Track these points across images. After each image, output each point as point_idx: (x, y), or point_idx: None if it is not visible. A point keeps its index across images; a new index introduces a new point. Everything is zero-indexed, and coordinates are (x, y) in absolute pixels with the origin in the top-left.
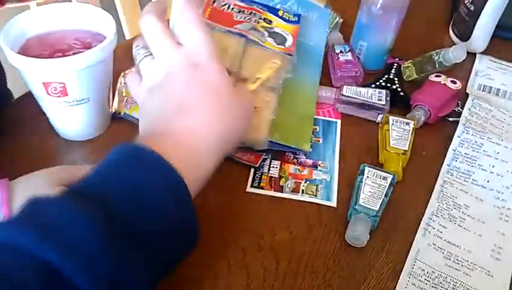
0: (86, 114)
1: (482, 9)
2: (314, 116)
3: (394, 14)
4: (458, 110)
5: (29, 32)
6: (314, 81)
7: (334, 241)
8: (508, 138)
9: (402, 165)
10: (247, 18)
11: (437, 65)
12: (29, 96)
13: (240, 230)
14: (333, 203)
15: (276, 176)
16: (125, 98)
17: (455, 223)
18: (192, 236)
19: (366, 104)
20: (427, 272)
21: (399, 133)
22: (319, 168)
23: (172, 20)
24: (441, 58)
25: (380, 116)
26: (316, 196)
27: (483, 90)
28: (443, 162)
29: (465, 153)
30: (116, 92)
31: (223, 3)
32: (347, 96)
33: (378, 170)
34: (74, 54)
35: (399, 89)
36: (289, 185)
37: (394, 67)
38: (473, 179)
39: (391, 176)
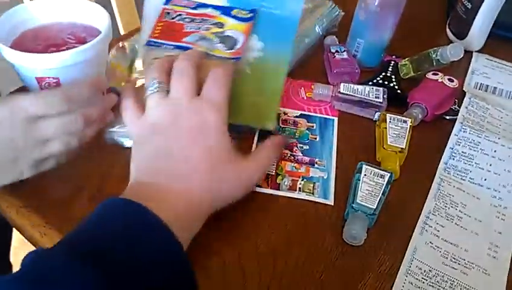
0: None
1: (479, 7)
2: (282, 93)
3: (392, 11)
4: (455, 108)
5: (23, 26)
6: (285, 55)
7: (331, 240)
8: (505, 137)
9: (399, 163)
10: (197, 27)
11: (434, 63)
12: (20, 92)
13: (236, 229)
14: (330, 201)
15: (273, 174)
16: (115, 71)
17: (452, 222)
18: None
19: (363, 102)
20: (425, 271)
21: (396, 131)
22: (316, 165)
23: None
24: (438, 56)
25: (377, 114)
26: (313, 194)
27: (480, 89)
28: (440, 161)
29: (462, 152)
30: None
31: (174, 15)
32: (344, 94)
33: (376, 168)
34: (68, 48)
35: (396, 87)
36: (286, 183)
37: (391, 65)
38: (470, 178)
39: (388, 174)
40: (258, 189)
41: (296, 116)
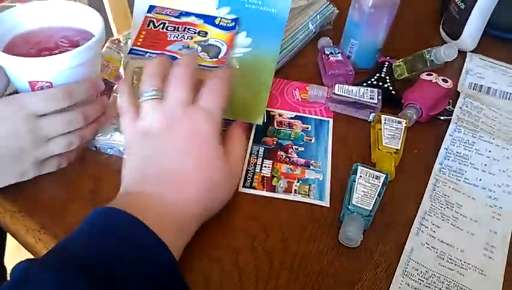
0: None
1: (473, 7)
2: (270, 88)
3: (385, 12)
4: (450, 108)
5: (15, 30)
6: (273, 51)
7: (327, 242)
8: (499, 137)
9: (394, 164)
10: (181, 36)
11: (428, 64)
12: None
13: (232, 231)
14: (326, 203)
15: (269, 176)
16: (108, 63)
17: (448, 222)
18: None
19: (358, 103)
20: (421, 272)
21: (391, 132)
22: (311, 167)
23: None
24: (432, 56)
25: (372, 115)
26: (308, 195)
27: (474, 89)
28: (435, 161)
29: (457, 152)
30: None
31: (157, 23)
32: (339, 95)
33: (371, 169)
34: (61, 52)
35: (391, 88)
36: (281, 185)
37: (385, 66)
38: (465, 178)
39: (384, 175)
40: (254, 191)
41: (291, 118)
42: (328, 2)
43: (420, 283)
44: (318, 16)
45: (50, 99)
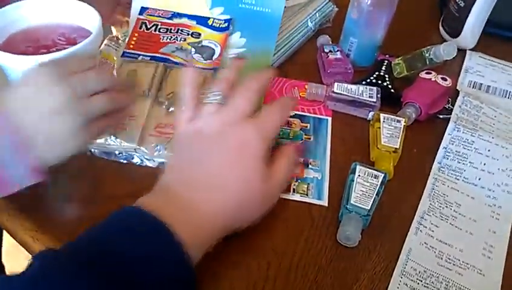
0: None
1: (472, 5)
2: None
3: (384, 10)
4: (449, 107)
5: (12, 27)
6: (268, 52)
7: (326, 241)
8: (498, 136)
9: (393, 163)
10: (174, 38)
11: (427, 62)
12: None
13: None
14: (324, 202)
15: None
16: (106, 60)
17: (447, 222)
18: None
19: (357, 102)
20: (419, 272)
21: (390, 131)
22: (310, 166)
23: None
24: (432, 55)
25: (371, 113)
26: (307, 195)
27: (473, 87)
28: (434, 160)
29: (456, 151)
30: None
31: (150, 25)
32: (338, 94)
33: (370, 168)
34: (59, 50)
35: (390, 86)
36: None
37: (385, 64)
38: (464, 177)
39: (382, 175)
40: None
41: (290, 116)
42: (328, 0)
43: (418, 283)
44: (317, 13)
45: (96, 80)
